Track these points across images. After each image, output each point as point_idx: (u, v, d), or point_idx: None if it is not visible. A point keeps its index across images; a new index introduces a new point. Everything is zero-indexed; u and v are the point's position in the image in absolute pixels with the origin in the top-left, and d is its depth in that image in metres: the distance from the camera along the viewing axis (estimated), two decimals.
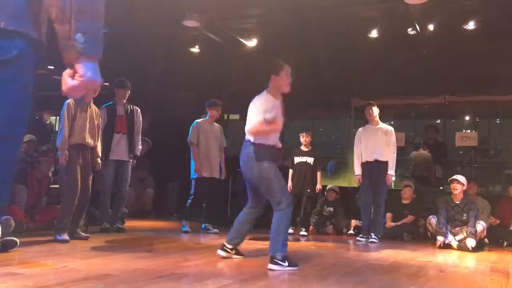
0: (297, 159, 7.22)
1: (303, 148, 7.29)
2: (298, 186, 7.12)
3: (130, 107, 6.29)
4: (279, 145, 4.15)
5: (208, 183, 6.50)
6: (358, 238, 6.59)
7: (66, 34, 1.47)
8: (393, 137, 6.55)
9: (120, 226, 6.18)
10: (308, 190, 7.09)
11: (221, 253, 4.25)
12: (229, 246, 4.27)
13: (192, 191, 6.46)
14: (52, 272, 3.26)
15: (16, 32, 1.40)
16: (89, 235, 5.24)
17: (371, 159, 6.45)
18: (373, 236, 6.35)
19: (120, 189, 6.21)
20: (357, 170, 6.57)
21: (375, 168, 6.44)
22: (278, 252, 3.77)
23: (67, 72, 1.51)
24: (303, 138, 7.25)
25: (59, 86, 1.51)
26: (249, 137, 4.00)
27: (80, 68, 1.47)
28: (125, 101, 6.25)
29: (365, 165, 6.51)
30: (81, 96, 1.56)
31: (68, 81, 1.50)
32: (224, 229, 6.86)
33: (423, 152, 8.75)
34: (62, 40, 1.48)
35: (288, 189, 7.14)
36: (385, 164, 6.44)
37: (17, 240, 4.07)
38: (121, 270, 3.42)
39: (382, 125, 6.63)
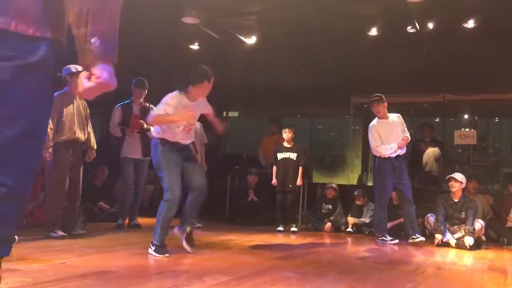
0: (280, 155, 7.14)
1: (286, 144, 7.20)
2: (283, 182, 7.08)
3: (146, 105, 6.28)
4: (184, 142, 4.29)
5: None
6: (389, 242, 6.13)
7: (82, 37, 1.51)
8: (403, 122, 6.29)
9: (136, 222, 6.24)
10: (290, 186, 7.03)
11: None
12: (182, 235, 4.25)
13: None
14: (51, 268, 3.26)
15: (41, 36, 1.45)
16: (85, 231, 5.24)
17: (393, 154, 6.15)
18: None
19: (136, 187, 6.31)
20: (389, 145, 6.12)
21: (396, 164, 6.17)
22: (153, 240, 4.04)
23: (83, 74, 1.56)
24: (286, 134, 7.16)
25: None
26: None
27: (96, 70, 1.52)
28: (141, 100, 6.28)
29: (385, 161, 6.19)
30: (93, 98, 1.64)
31: (84, 82, 1.55)
32: (222, 227, 6.88)
33: (434, 149, 8.60)
34: (79, 44, 1.53)
35: (273, 184, 7.14)
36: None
37: (16, 236, 4.06)
38: (119, 266, 3.42)
39: (391, 116, 6.28)
